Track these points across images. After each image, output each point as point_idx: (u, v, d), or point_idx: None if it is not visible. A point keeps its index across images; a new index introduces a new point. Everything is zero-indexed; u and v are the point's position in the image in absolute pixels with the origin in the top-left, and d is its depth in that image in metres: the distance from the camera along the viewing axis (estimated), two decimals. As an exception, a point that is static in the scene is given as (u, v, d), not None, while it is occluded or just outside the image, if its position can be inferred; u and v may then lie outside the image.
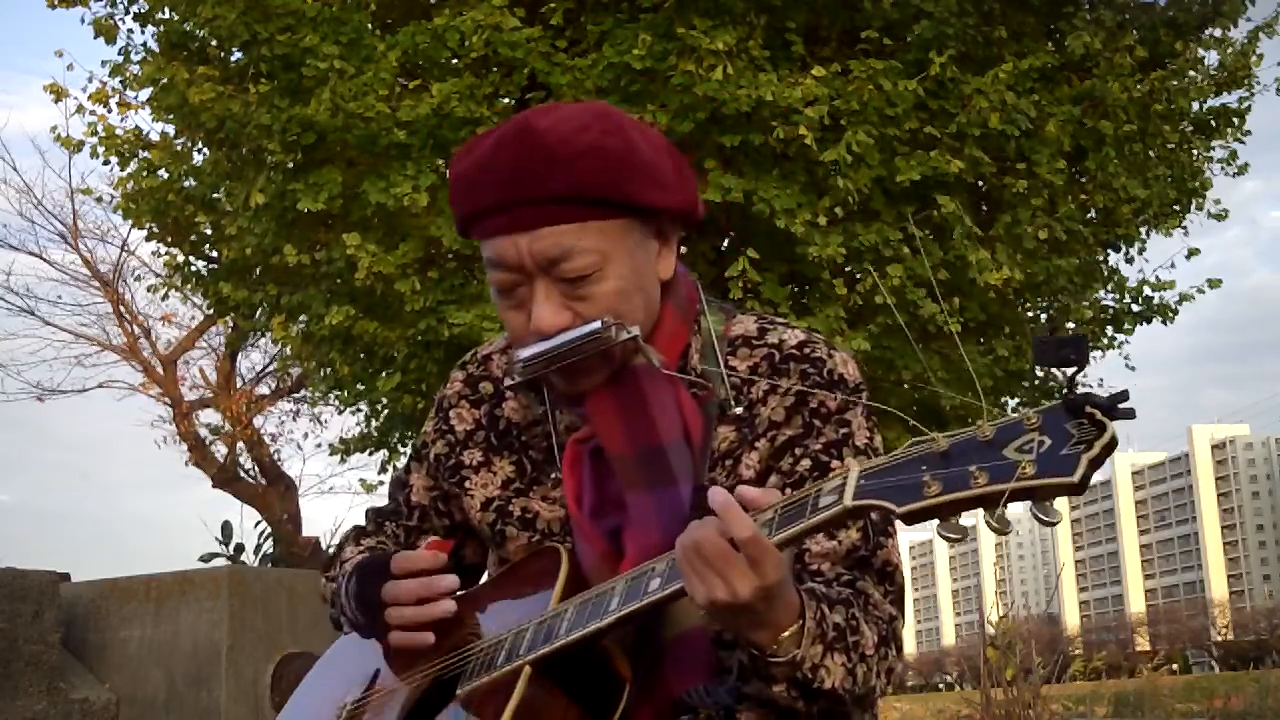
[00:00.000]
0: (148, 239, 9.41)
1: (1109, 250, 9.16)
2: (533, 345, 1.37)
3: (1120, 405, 1.03)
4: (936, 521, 1.09)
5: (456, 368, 1.64)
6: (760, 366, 1.44)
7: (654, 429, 1.39)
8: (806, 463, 1.41)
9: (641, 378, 1.40)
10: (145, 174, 8.65)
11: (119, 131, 8.95)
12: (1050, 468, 1.03)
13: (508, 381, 1.47)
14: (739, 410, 1.42)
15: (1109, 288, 9.42)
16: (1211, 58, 8.99)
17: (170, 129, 8.83)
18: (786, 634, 1.22)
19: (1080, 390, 1.05)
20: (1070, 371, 1.05)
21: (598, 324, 1.35)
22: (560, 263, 1.36)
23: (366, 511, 1.74)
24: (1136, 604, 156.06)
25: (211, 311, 11.13)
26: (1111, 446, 1.02)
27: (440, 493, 1.61)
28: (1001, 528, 1.07)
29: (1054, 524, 1.05)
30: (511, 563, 1.51)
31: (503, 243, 1.37)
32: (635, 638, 1.35)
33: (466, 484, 1.55)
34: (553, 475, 1.49)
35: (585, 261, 1.36)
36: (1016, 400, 9.72)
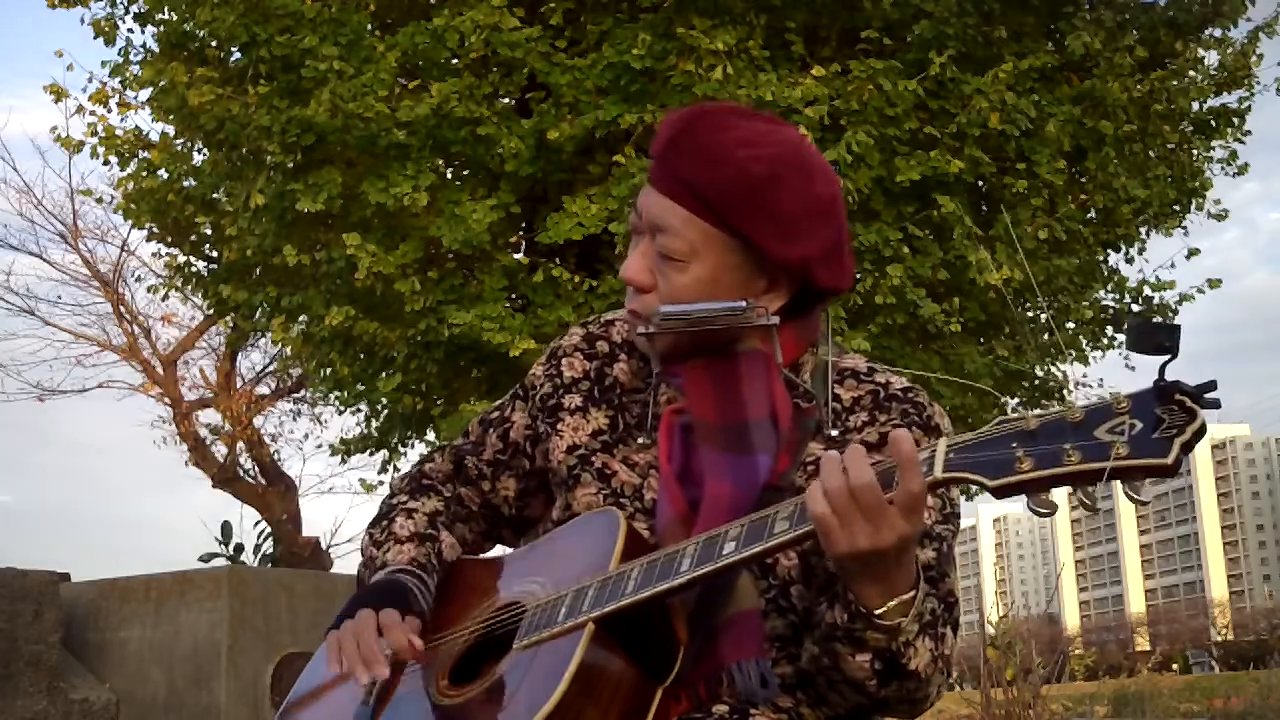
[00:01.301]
0: (148, 239, 9.42)
1: (1109, 250, 9.16)
2: (678, 305, 1.46)
3: (1207, 395, 1.07)
4: (1025, 498, 1.13)
5: (577, 325, 1.72)
6: (864, 399, 1.51)
7: (741, 405, 1.46)
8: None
9: (741, 362, 1.47)
10: (145, 174, 8.65)
11: (119, 132, 8.95)
12: (1143, 450, 1.07)
13: (639, 330, 1.51)
14: (834, 433, 1.48)
15: (1109, 288, 9.41)
16: (1211, 58, 8.99)
17: (170, 129, 8.83)
18: (896, 601, 1.26)
19: (1169, 379, 1.09)
20: (1164, 359, 1.09)
21: (742, 302, 1.44)
22: (659, 232, 1.48)
23: (442, 449, 1.77)
24: (1136, 604, 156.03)
25: (211, 312, 11.13)
26: (1201, 432, 1.06)
27: (534, 433, 1.65)
28: (1091, 504, 1.11)
29: (1145, 503, 1.10)
30: (565, 522, 1.54)
31: (645, 189, 1.51)
32: (694, 606, 1.38)
33: (559, 424, 1.60)
34: (639, 440, 1.54)
35: (676, 245, 1.46)
36: (1016, 400, 9.72)
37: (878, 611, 1.25)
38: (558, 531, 1.55)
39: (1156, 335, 1.10)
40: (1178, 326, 1.10)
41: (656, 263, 1.49)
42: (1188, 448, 1.05)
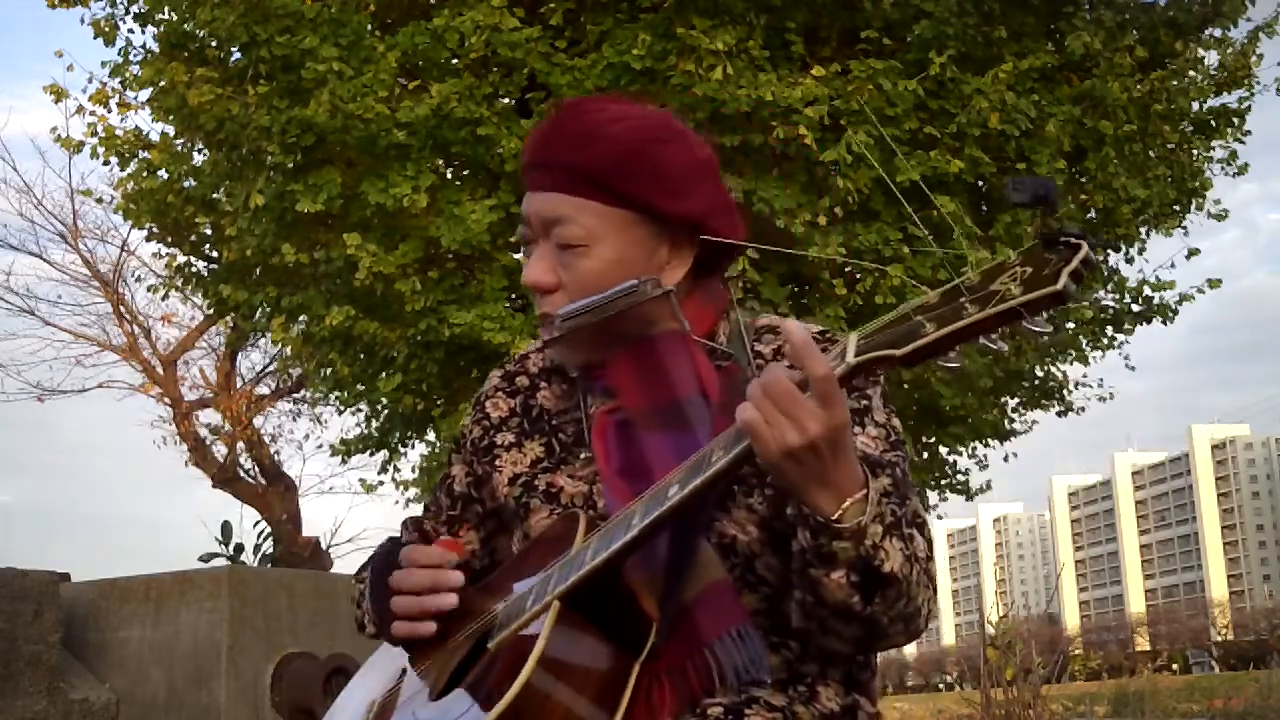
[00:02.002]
0: (148, 239, 9.42)
1: (1109, 250, 9.16)
2: (574, 303, 1.46)
3: (1089, 233, 1.11)
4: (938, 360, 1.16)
5: (496, 368, 1.73)
6: (783, 348, 1.50)
7: (671, 386, 1.46)
8: None
9: (659, 343, 1.47)
10: (145, 174, 8.65)
11: (119, 132, 8.96)
12: (1034, 285, 1.10)
13: (544, 337, 1.53)
14: None
15: (1109, 288, 9.41)
16: (1211, 58, 8.99)
17: (170, 129, 8.83)
18: (850, 501, 1.25)
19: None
20: (1042, 210, 1.14)
21: (634, 281, 1.43)
22: (555, 226, 1.49)
23: (404, 522, 1.78)
24: (1136, 604, 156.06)
25: (211, 312, 11.14)
26: (1089, 262, 1.10)
27: (474, 478, 1.66)
28: (996, 348, 1.15)
29: (1046, 334, 1.12)
30: (532, 537, 1.54)
31: (527, 197, 1.53)
32: (664, 586, 1.37)
33: (497, 461, 1.61)
34: (581, 455, 1.54)
35: (575, 233, 1.47)
36: (1016, 400, 9.73)
37: (834, 516, 1.25)
38: (527, 545, 1.55)
39: (1034, 187, 1.14)
40: (1051, 180, 1.17)
41: (558, 259, 1.49)
42: (1076, 276, 1.09)
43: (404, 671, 1.59)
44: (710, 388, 1.45)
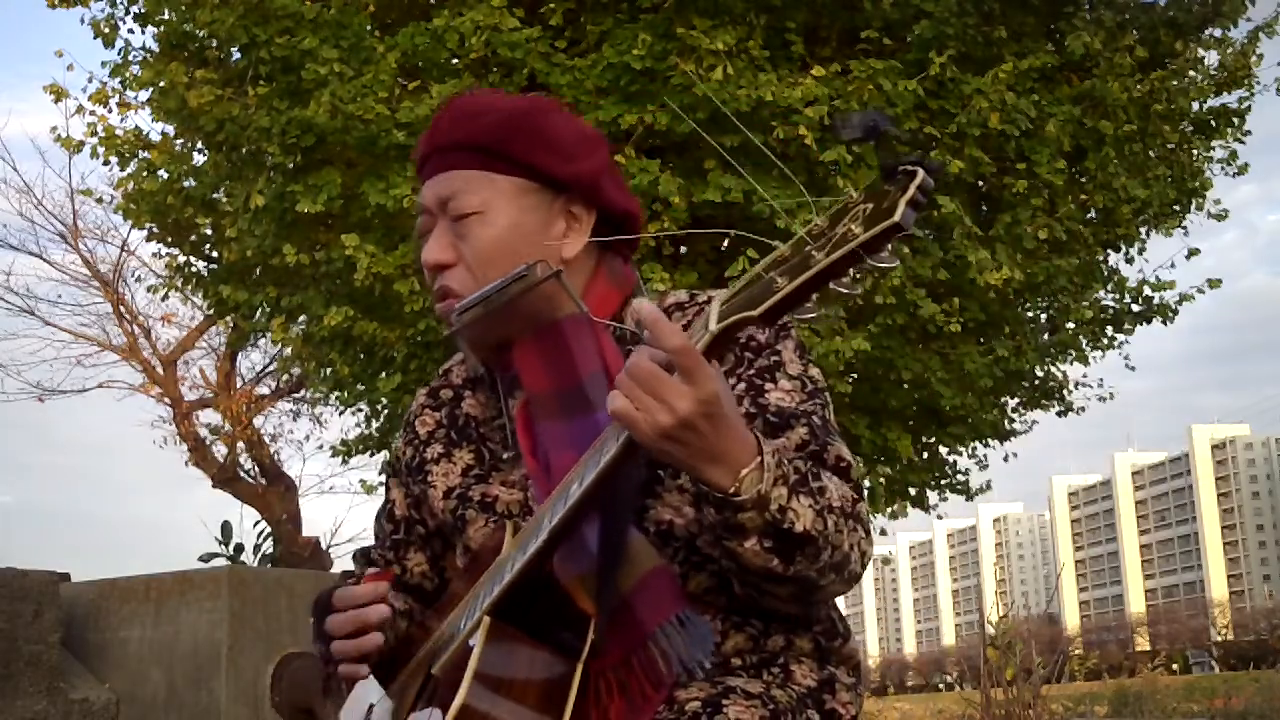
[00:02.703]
0: (148, 239, 9.42)
1: (1109, 250, 9.16)
2: (469, 297, 1.45)
3: (928, 159, 1.10)
4: (816, 313, 1.15)
5: (421, 387, 1.72)
6: (692, 321, 1.46)
7: (574, 367, 1.44)
8: (741, 386, 1.44)
9: (563, 325, 1.46)
10: (145, 175, 8.65)
11: (119, 132, 8.95)
12: (875, 220, 1.09)
13: (446, 331, 1.52)
14: None
15: (1109, 288, 9.41)
16: (1211, 58, 8.99)
17: (170, 130, 8.84)
18: (745, 471, 1.23)
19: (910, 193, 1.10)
20: (874, 142, 1.13)
21: (524, 266, 1.42)
22: (449, 202, 1.50)
23: (353, 555, 1.78)
24: (1136, 604, 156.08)
25: (211, 312, 11.13)
26: (925, 188, 1.09)
27: (413, 498, 1.65)
28: (850, 292, 1.13)
29: (891, 267, 1.11)
30: (472, 550, 1.54)
31: (423, 189, 1.54)
32: (598, 581, 1.35)
33: (429, 476, 1.60)
34: (507, 458, 1.53)
35: (467, 203, 1.49)
36: (1016, 400, 9.73)
37: (731, 489, 1.23)
38: (466, 562, 1.55)
39: (864, 120, 1.13)
40: (882, 114, 1.14)
41: (454, 234, 1.50)
42: (915, 204, 1.08)
43: (370, 708, 1.58)
44: (613, 366, 1.43)
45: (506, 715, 1.29)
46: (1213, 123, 9.08)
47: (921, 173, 1.09)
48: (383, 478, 9.70)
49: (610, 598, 1.35)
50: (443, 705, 1.32)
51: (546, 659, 1.33)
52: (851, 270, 1.11)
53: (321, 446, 16.20)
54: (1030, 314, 9.37)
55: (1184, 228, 9.19)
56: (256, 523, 14.13)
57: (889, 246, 1.10)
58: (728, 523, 1.25)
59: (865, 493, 1.44)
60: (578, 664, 1.33)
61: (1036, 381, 9.53)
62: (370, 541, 1.79)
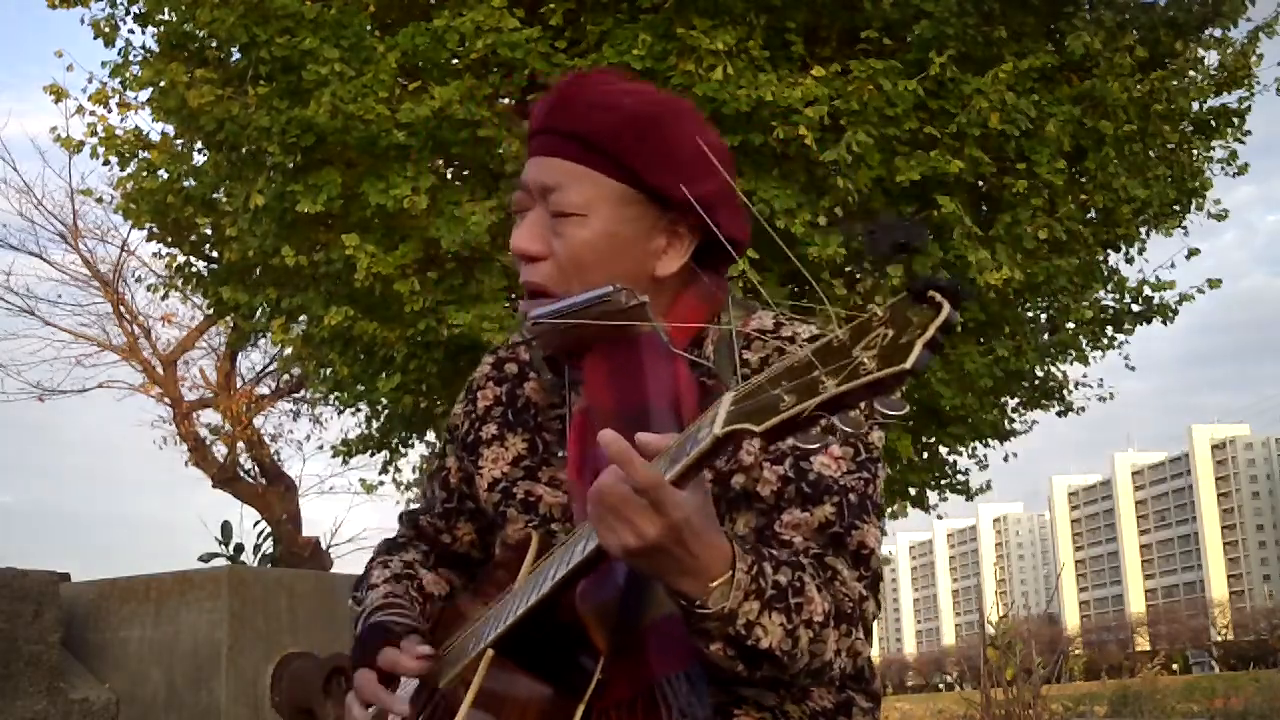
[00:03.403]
0: (148, 239, 9.42)
1: (1109, 250, 9.16)
2: (546, 306, 1.40)
3: (960, 287, 1.00)
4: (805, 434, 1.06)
5: (488, 353, 1.67)
6: (770, 357, 1.44)
7: (643, 391, 1.38)
8: (790, 442, 1.40)
9: (641, 345, 1.40)
10: (145, 174, 8.65)
11: (119, 132, 8.95)
12: (889, 358, 0.99)
13: (514, 337, 1.51)
14: None
15: (1109, 288, 9.41)
16: (1211, 58, 8.99)
17: (170, 130, 8.83)
18: (715, 584, 1.20)
19: (925, 281, 1.00)
20: (904, 257, 1.02)
21: (610, 287, 1.36)
22: (551, 192, 1.43)
23: (400, 516, 1.75)
24: (1136, 604, 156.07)
25: (211, 312, 11.14)
26: (948, 328, 0.99)
27: (465, 473, 1.63)
28: (855, 430, 1.04)
29: (897, 416, 1.01)
30: (497, 556, 1.53)
31: (528, 164, 1.46)
32: (617, 615, 1.34)
33: (480, 460, 1.57)
34: (561, 455, 1.50)
35: (571, 198, 1.41)
36: (1016, 400, 9.73)
37: (697, 601, 1.20)
38: (494, 563, 1.54)
39: (895, 233, 1.03)
40: (921, 223, 1.05)
41: (549, 227, 1.43)
42: (933, 345, 0.98)
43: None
44: (686, 403, 1.38)
45: None
46: (1213, 123, 9.08)
47: (947, 309, 0.98)
48: (383, 477, 9.56)
49: (625, 633, 1.34)
50: None
51: (547, 695, 1.31)
52: (859, 406, 1.03)
53: (321, 446, 16.18)
54: (1030, 314, 9.37)
55: (1184, 228, 9.19)
56: (256, 523, 14.16)
57: (900, 391, 1.01)
58: (695, 628, 1.23)
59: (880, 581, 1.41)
60: (579, 704, 1.31)
61: (1036, 381, 9.53)
62: (375, 539, 1.79)
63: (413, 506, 1.75)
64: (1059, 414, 9.95)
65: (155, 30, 8.59)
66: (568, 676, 1.32)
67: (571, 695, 1.31)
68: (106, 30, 8.64)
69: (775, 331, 1.47)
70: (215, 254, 9.30)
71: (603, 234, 1.42)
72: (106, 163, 8.98)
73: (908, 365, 0.98)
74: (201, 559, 11.80)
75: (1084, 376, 10.32)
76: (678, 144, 1.42)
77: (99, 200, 12.67)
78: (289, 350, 9.25)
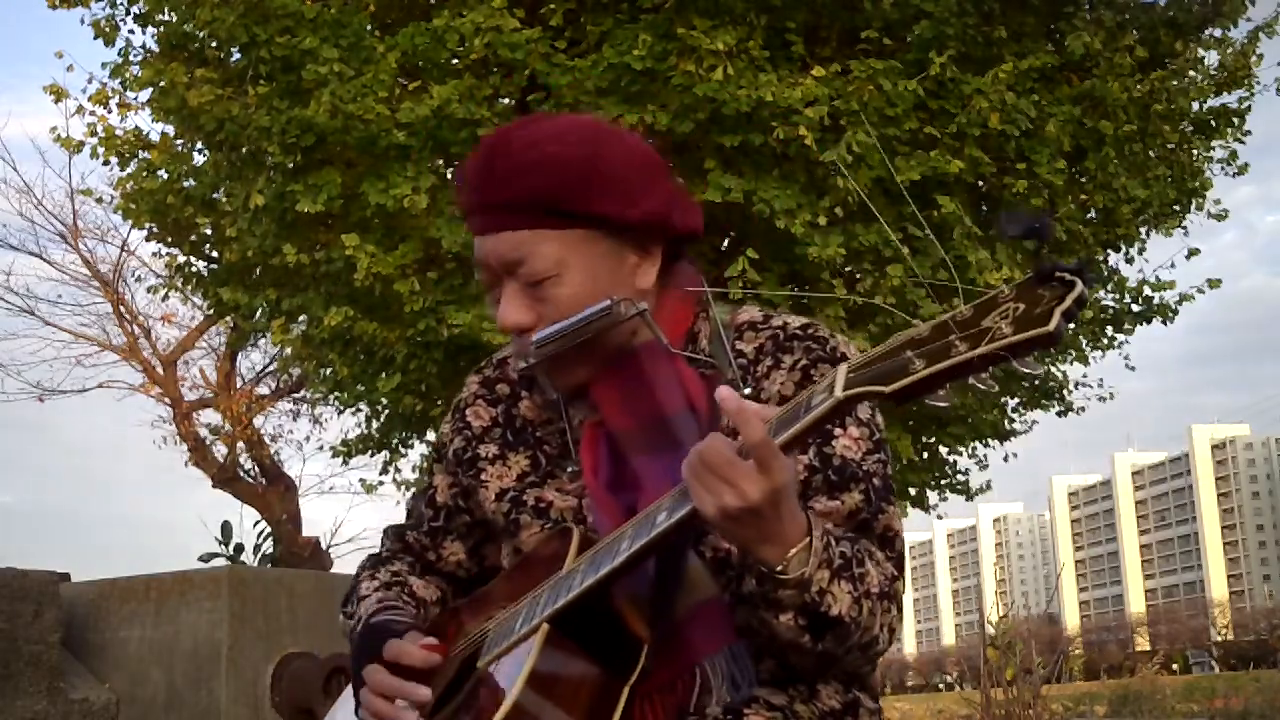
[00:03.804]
0: (148, 239, 9.43)
1: (1109, 250, 9.16)
2: (547, 328, 1.43)
3: (1087, 269, 1.09)
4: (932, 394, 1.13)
5: (473, 372, 1.70)
6: (765, 346, 1.48)
7: (656, 402, 1.44)
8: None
9: (641, 357, 1.46)
10: (145, 175, 8.65)
11: (119, 132, 8.96)
12: (1026, 324, 1.07)
13: (519, 365, 1.51)
14: (747, 391, 1.46)
15: (1109, 288, 9.42)
16: (1211, 58, 9.00)
17: (170, 130, 8.84)
18: (794, 551, 1.25)
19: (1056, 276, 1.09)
20: (1036, 243, 1.11)
21: (607, 301, 1.40)
22: (518, 266, 1.44)
23: (385, 531, 1.77)
24: (1136, 604, 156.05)
25: (211, 312, 11.14)
26: (1082, 300, 1.08)
27: (460, 489, 1.64)
28: (985, 388, 1.12)
29: (1037, 374, 1.12)
30: (524, 553, 1.53)
31: (479, 242, 1.48)
32: (652, 606, 1.37)
33: (483, 475, 1.59)
34: (568, 469, 1.52)
35: (541, 266, 1.43)
36: (1016, 400, 9.73)
37: (779, 568, 1.25)
38: (519, 560, 1.54)
39: (1027, 221, 1.12)
40: (1046, 212, 1.15)
41: (530, 296, 1.45)
42: (1068, 315, 1.07)
43: None
44: (697, 400, 1.44)
45: None
46: (1213, 123, 9.08)
47: (1080, 285, 1.08)
48: (383, 477, 9.55)
49: (664, 623, 1.37)
50: (485, 703, 1.34)
51: (597, 674, 1.34)
52: (991, 368, 1.10)
53: (321, 447, 16.18)
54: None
55: (1184, 228, 9.20)
56: (256, 523, 14.16)
57: (1035, 353, 1.08)
58: (767, 596, 1.28)
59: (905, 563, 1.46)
60: (625, 685, 1.34)
61: (1036, 381, 9.54)
62: (376, 548, 1.79)
63: (399, 523, 1.76)
64: (1059, 414, 9.96)
65: (155, 30, 8.60)
66: (615, 658, 1.35)
67: (619, 677, 1.34)
68: (107, 30, 8.64)
69: (765, 323, 1.51)
70: (215, 254, 9.30)
71: (582, 283, 1.44)
72: (106, 163, 9.00)
73: (1050, 328, 1.06)
74: (201, 559, 11.80)
75: (1084, 376, 10.33)
76: (612, 171, 1.44)
77: (99, 200, 12.69)
78: (289, 350, 9.25)
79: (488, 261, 1.46)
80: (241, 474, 15.31)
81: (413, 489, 1.85)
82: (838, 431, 1.42)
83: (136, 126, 9.25)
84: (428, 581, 1.68)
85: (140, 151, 8.91)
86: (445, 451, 1.66)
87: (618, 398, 1.46)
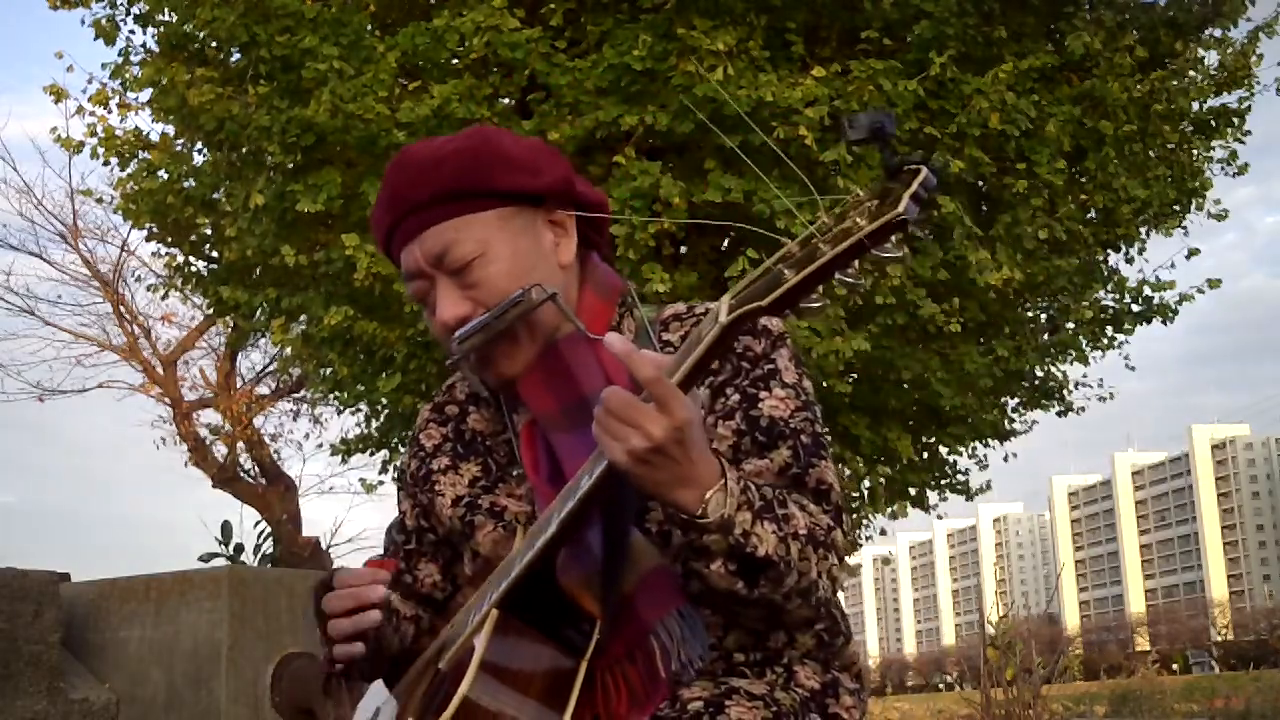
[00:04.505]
0: (148, 239, 9.42)
1: (1109, 250, 9.16)
2: (468, 324, 1.47)
3: (931, 160, 1.17)
4: (822, 301, 1.18)
5: (425, 402, 1.75)
6: (690, 332, 1.50)
7: (576, 384, 1.49)
8: (736, 397, 1.47)
9: (562, 346, 1.50)
10: (145, 175, 8.64)
11: (119, 132, 8.96)
12: (879, 213, 1.12)
13: (448, 361, 1.55)
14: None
15: (1109, 288, 9.41)
16: (1211, 58, 8.99)
17: (170, 130, 8.84)
18: (710, 493, 1.27)
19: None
20: (883, 142, 1.17)
21: (519, 291, 1.45)
22: (444, 256, 1.49)
23: (365, 564, 1.80)
24: (1136, 604, 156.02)
25: (211, 312, 11.14)
26: (928, 182, 1.13)
27: (421, 508, 1.68)
28: (857, 284, 1.17)
29: (898, 258, 1.14)
30: (482, 555, 1.56)
31: (404, 255, 1.53)
32: (602, 582, 1.40)
33: (437, 486, 1.63)
34: (515, 473, 1.56)
35: (466, 250, 1.48)
36: (1016, 400, 9.73)
37: (698, 512, 1.27)
38: (476, 568, 1.58)
39: (869, 122, 1.18)
40: (888, 113, 1.19)
41: (460, 286, 1.49)
42: (917, 198, 1.11)
43: (377, 711, 1.62)
44: (617, 380, 1.44)
45: (510, 706, 1.32)
46: (1213, 123, 9.07)
47: (925, 170, 1.12)
48: (383, 477, 9.56)
49: (614, 598, 1.39)
50: (444, 700, 1.34)
51: (551, 653, 1.36)
52: (857, 262, 1.14)
53: (321, 446, 16.19)
54: (1030, 314, 9.37)
55: (1184, 228, 9.19)
56: (256, 523, 14.16)
57: (893, 238, 1.13)
58: (693, 545, 1.29)
59: (852, 508, 1.48)
60: (582, 661, 1.36)
61: (1036, 381, 9.53)
62: (376, 548, 1.82)
63: (375, 554, 1.81)
64: (1059, 414, 9.95)
65: (155, 30, 8.59)
66: (567, 637, 1.37)
67: (573, 654, 1.36)
68: (108, 29, 8.64)
69: (690, 313, 1.56)
70: (215, 254, 9.30)
71: (508, 256, 1.49)
72: (106, 163, 8.99)
73: (899, 210, 1.11)
74: (201, 559, 11.79)
75: (1084, 376, 10.32)
76: (508, 151, 1.52)
77: (99, 200, 12.68)
78: (289, 350, 9.25)
79: (417, 267, 1.51)
80: (241, 474, 15.31)
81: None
82: (763, 395, 1.46)
83: (136, 127, 9.26)
84: (402, 599, 1.71)
85: (140, 152, 8.90)
86: (405, 477, 1.71)
87: (540, 383, 1.50)
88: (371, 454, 9.93)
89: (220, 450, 15.45)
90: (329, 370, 8.82)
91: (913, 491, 9.75)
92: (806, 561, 1.34)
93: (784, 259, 1.18)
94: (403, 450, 8.84)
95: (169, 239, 9.25)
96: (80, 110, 9.18)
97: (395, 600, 1.68)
